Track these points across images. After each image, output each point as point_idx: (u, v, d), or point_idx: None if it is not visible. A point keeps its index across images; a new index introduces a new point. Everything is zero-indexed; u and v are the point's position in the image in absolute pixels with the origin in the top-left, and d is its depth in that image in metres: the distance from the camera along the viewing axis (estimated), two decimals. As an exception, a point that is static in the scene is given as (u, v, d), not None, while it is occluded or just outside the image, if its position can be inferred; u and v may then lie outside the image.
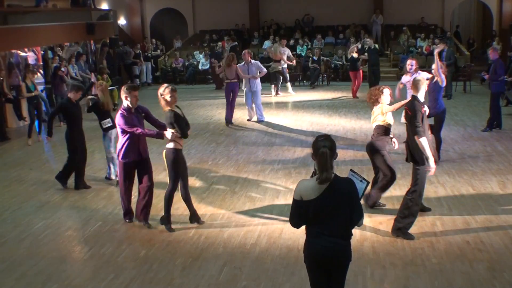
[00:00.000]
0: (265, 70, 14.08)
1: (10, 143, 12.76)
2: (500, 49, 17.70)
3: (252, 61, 13.76)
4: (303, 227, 4.15)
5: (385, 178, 7.32)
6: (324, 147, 3.98)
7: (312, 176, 4.14)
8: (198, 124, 13.81)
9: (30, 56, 16.53)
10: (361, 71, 17.23)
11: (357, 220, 4.10)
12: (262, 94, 14.34)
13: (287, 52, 18.59)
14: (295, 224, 4.14)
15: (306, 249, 4.16)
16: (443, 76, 9.28)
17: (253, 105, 13.90)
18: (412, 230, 6.71)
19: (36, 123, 13.25)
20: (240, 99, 14.79)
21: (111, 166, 9.19)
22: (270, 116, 14.44)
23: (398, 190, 7.98)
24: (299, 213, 4.06)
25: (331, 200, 3.97)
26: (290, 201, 7.50)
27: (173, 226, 7.09)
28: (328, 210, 3.97)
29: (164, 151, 6.89)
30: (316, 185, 3.97)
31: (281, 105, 16.28)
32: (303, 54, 22.13)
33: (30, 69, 13.97)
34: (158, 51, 23.49)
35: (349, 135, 12.07)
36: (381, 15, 24.50)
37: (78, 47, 19.94)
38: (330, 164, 3.97)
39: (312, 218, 4.02)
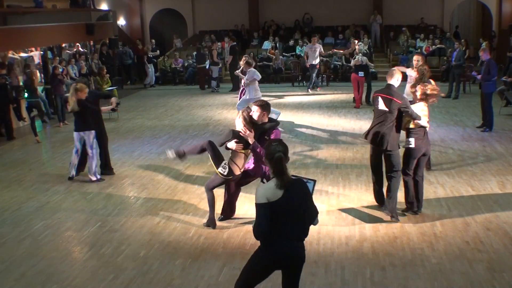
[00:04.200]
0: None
1: (10, 143, 12.76)
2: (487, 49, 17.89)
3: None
4: None
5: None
6: (279, 151, 4.05)
7: (262, 181, 4.17)
8: (198, 125, 13.82)
9: (36, 55, 16.57)
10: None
11: (314, 217, 4.21)
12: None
13: (319, 48, 18.65)
14: (265, 231, 3.99)
15: (264, 252, 4.18)
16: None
17: None
18: (412, 230, 6.73)
19: (37, 123, 13.31)
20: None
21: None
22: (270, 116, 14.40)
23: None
24: (267, 216, 3.96)
25: (292, 200, 4.02)
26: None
27: (172, 226, 7.14)
28: (289, 211, 4.02)
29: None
30: (275, 187, 4.01)
31: (280, 106, 16.27)
32: (302, 55, 22.14)
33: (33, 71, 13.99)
34: (158, 51, 23.49)
35: (348, 136, 12.08)
36: (379, 15, 24.50)
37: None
38: (285, 168, 4.05)
39: (276, 219, 4.00)
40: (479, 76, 12.42)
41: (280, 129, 7.18)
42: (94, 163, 9.26)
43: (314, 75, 18.71)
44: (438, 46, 21.68)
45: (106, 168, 9.66)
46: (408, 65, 11.21)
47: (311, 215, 4.17)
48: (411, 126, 6.99)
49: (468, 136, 11.59)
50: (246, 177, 7.16)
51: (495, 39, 23.69)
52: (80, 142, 9.22)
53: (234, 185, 7.21)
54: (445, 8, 25.34)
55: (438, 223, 6.94)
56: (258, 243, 6.59)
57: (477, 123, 12.59)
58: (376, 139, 7.06)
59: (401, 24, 24.34)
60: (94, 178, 9.25)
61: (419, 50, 21.98)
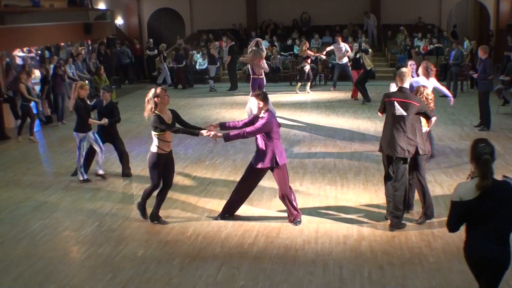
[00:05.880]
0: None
1: (8, 143, 12.74)
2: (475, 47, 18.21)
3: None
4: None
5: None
6: (486, 154, 4.05)
7: (468, 178, 4.15)
8: (196, 124, 13.65)
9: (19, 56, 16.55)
10: (362, 70, 16.92)
11: None
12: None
13: (345, 47, 18.62)
14: (453, 226, 4.11)
15: (465, 250, 4.20)
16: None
17: None
18: (410, 229, 6.74)
19: (37, 122, 13.31)
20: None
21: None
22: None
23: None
24: (458, 215, 4.06)
25: (488, 203, 3.97)
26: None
27: (170, 225, 7.15)
28: (484, 213, 3.98)
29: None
30: (474, 187, 4.00)
31: (278, 105, 16.26)
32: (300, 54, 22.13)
33: (26, 70, 13.96)
34: (156, 50, 23.49)
35: (346, 135, 12.08)
36: (372, 15, 24.48)
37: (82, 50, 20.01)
38: (491, 170, 4.02)
39: (470, 219, 4.05)
40: (475, 75, 12.46)
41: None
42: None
43: (310, 74, 18.86)
44: (436, 45, 21.70)
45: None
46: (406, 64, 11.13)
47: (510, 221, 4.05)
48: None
49: (466, 135, 11.60)
50: (257, 176, 7.15)
51: (493, 38, 23.70)
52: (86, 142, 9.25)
53: (247, 186, 7.21)
54: (443, 7, 25.32)
55: (436, 222, 6.95)
56: (256, 243, 6.63)
57: (474, 122, 12.60)
58: (391, 147, 6.68)
59: (399, 23, 24.30)
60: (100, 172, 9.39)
61: (416, 49, 22.01)
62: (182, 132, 7.00)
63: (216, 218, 7.32)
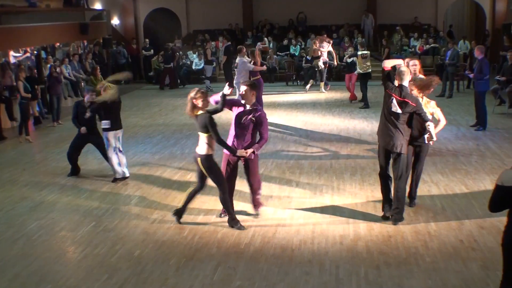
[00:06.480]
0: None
1: (4, 143, 12.70)
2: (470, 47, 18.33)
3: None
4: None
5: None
6: None
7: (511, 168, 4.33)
8: (192, 124, 13.66)
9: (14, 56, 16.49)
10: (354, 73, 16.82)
11: None
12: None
13: (327, 46, 18.69)
14: (492, 207, 4.32)
15: (502, 236, 4.34)
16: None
17: None
18: (406, 229, 6.76)
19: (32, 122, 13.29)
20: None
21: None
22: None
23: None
24: (497, 198, 4.24)
25: None
26: (284, 201, 7.55)
27: (166, 225, 7.13)
28: None
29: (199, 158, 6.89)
30: None
31: (275, 105, 16.28)
32: (296, 54, 22.16)
33: (22, 68, 13.92)
34: (152, 51, 23.49)
35: (342, 135, 12.09)
36: (370, 14, 24.52)
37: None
38: None
39: (510, 206, 4.19)
40: (471, 75, 12.48)
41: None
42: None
43: (324, 73, 18.91)
44: (432, 45, 21.74)
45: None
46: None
47: None
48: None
49: (462, 135, 11.63)
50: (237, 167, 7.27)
51: (489, 38, 23.76)
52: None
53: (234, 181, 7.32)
54: (439, 7, 25.37)
55: (432, 222, 6.96)
56: (252, 243, 6.62)
57: (471, 122, 12.62)
58: (387, 140, 6.84)
59: (395, 23, 24.35)
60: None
61: (412, 49, 22.06)
62: (222, 144, 6.84)
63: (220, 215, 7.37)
